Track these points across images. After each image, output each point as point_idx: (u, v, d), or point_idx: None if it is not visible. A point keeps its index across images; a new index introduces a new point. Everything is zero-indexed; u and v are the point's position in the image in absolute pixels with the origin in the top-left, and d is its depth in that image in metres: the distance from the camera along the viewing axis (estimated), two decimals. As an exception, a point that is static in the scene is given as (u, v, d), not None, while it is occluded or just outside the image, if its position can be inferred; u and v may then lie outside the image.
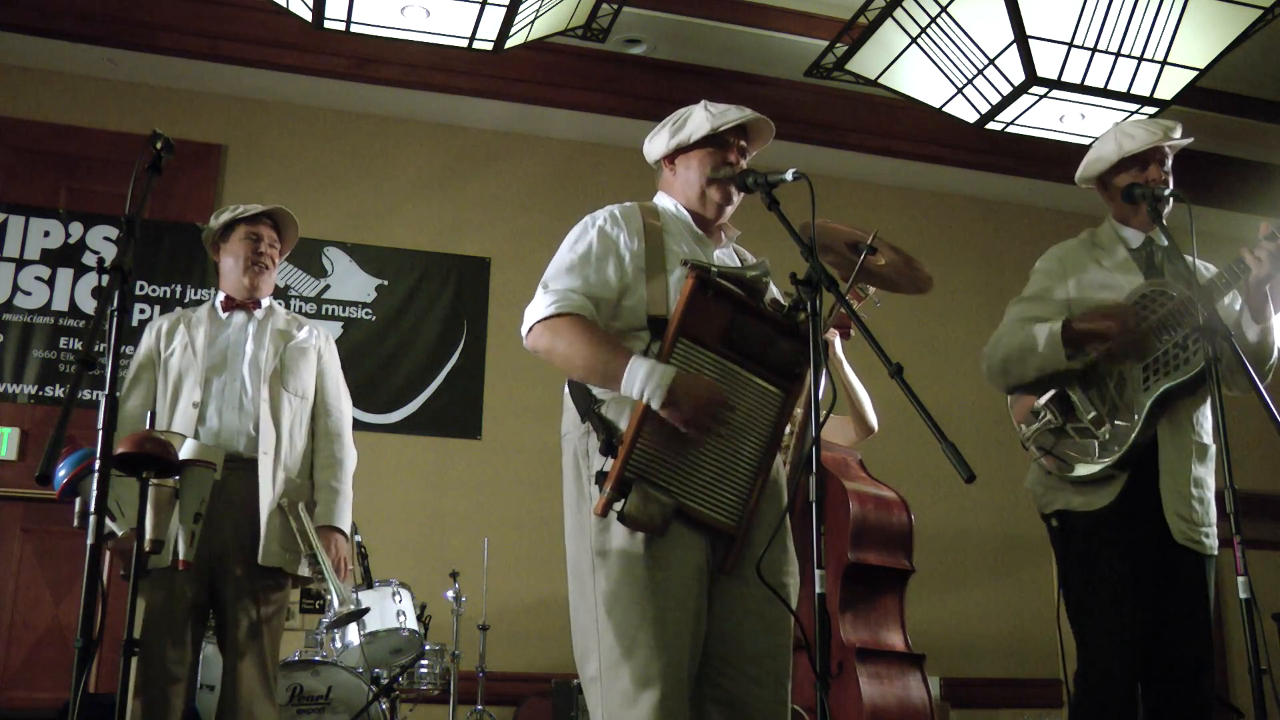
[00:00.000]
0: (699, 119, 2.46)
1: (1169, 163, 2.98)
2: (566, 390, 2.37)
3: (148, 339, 3.29)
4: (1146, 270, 2.94)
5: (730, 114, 2.45)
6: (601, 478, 2.19)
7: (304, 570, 3.20)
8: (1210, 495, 2.85)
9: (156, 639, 3.00)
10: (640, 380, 2.18)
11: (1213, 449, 2.89)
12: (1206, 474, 2.85)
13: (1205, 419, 2.90)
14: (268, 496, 3.14)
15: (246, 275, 3.32)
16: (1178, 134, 2.94)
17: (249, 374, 3.24)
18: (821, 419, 2.07)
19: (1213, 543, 2.80)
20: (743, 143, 2.48)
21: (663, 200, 2.54)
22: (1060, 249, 3.07)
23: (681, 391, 2.17)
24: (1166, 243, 2.98)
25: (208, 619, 3.19)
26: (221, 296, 3.36)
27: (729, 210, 2.49)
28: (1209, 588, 2.79)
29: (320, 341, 3.44)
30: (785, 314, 2.37)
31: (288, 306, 5.39)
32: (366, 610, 3.80)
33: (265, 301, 3.39)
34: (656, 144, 2.54)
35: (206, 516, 3.05)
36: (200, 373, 3.20)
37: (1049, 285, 2.97)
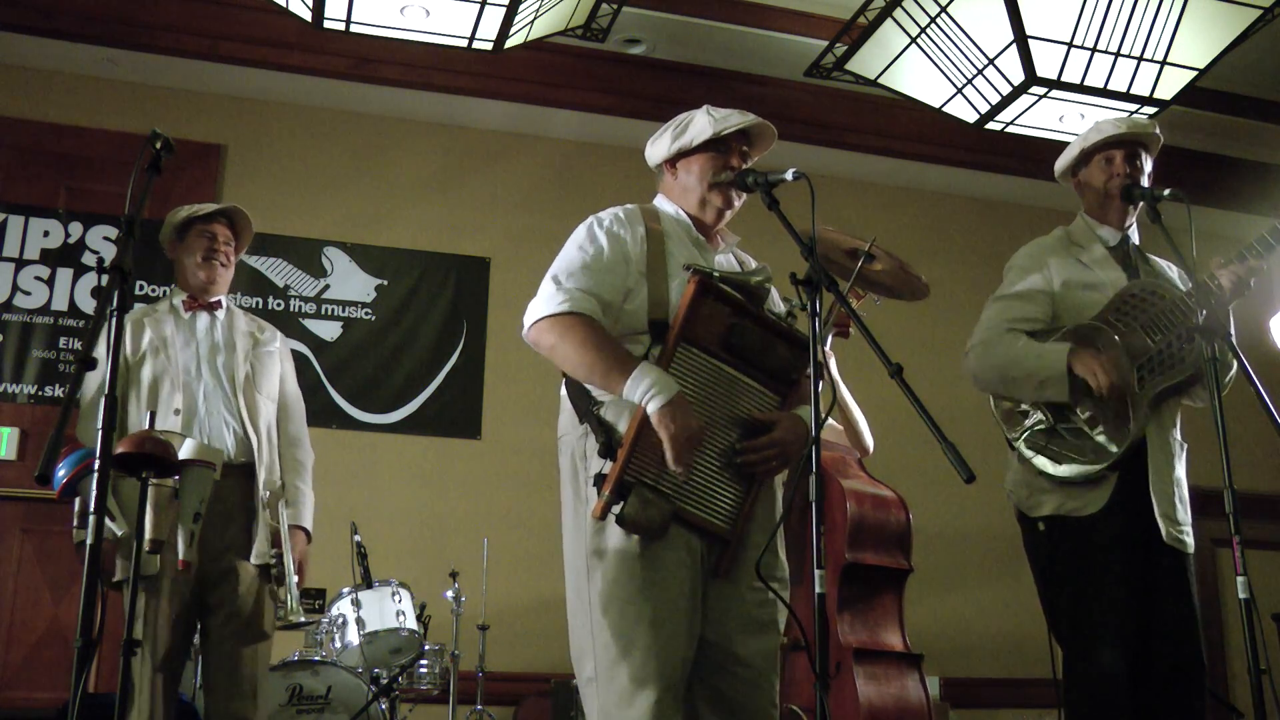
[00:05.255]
0: (701, 123, 2.45)
1: (1144, 159, 2.96)
2: (564, 391, 2.36)
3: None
4: (1125, 267, 2.94)
5: (733, 119, 2.43)
6: (600, 480, 2.18)
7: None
8: (1186, 494, 2.85)
9: (169, 643, 3.01)
10: (645, 385, 2.17)
11: (1185, 448, 2.90)
12: (1182, 473, 2.86)
13: (1178, 418, 2.90)
14: (259, 498, 3.20)
15: (202, 272, 3.33)
16: (1150, 131, 2.94)
17: (226, 379, 3.25)
18: (821, 419, 2.08)
19: (1191, 541, 2.81)
20: (745, 148, 2.48)
21: (662, 204, 2.53)
22: (1036, 245, 3.04)
23: (679, 408, 2.17)
24: (1138, 241, 2.99)
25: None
26: (184, 296, 3.36)
27: (728, 215, 2.49)
28: (1192, 586, 2.79)
29: (280, 344, 3.48)
30: (784, 319, 2.38)
31: (287, 306, 5.40)
32: (309, 624, 3.79)
33: (224, 301, 3.41)
34: (658, 148, 2.52)
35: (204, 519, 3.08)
36: (178, 377, 3.20)
37: (1032, 283, 2.94)
